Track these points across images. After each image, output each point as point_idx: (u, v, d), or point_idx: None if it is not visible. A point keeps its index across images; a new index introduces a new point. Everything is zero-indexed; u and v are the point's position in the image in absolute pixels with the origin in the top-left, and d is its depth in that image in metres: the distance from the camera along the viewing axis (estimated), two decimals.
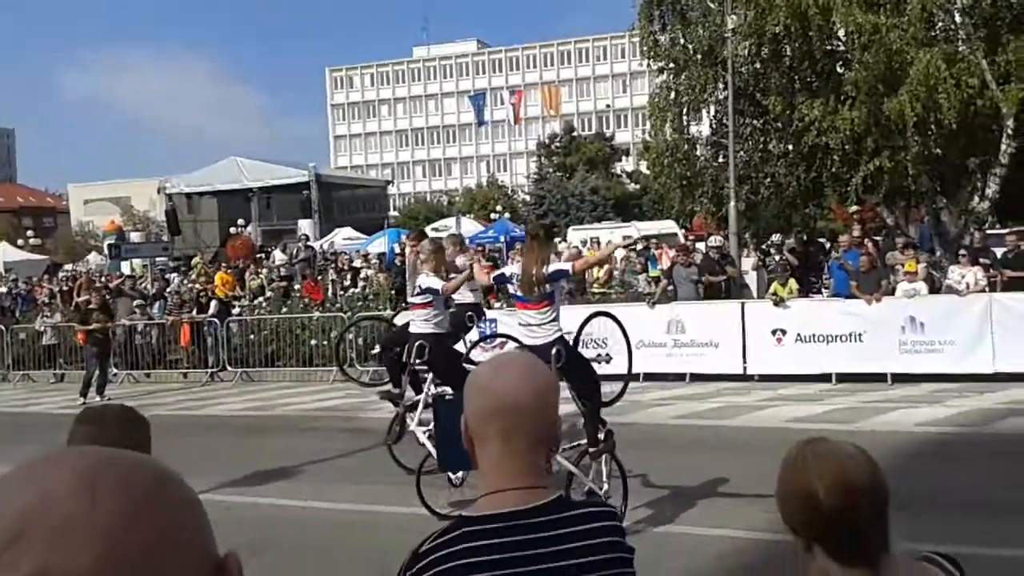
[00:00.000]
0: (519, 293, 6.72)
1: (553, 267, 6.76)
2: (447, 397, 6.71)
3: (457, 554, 1.58)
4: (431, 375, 8.19)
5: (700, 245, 17.10)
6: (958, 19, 15.26)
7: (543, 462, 1.69)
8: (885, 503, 1.66)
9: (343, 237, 33.54)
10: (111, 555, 0.69)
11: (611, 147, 68.64)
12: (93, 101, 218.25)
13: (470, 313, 8.85)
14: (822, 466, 1.64)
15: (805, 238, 17.63)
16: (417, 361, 8.03)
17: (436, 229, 34.38)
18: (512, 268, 7.35)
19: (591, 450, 6.85)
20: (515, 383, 1.65)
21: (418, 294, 7.97)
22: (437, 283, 7.68)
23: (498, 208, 47.21)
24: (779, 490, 1.69)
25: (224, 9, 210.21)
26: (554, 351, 6.52)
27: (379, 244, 26.97)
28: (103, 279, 22.64)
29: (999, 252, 14.17)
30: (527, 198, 61.79)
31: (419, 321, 8.00)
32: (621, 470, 7.05)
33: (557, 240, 32.02)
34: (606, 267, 17.72)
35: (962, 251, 13.56)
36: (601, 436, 6.90)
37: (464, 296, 8.74)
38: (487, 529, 1.60)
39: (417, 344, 7.88)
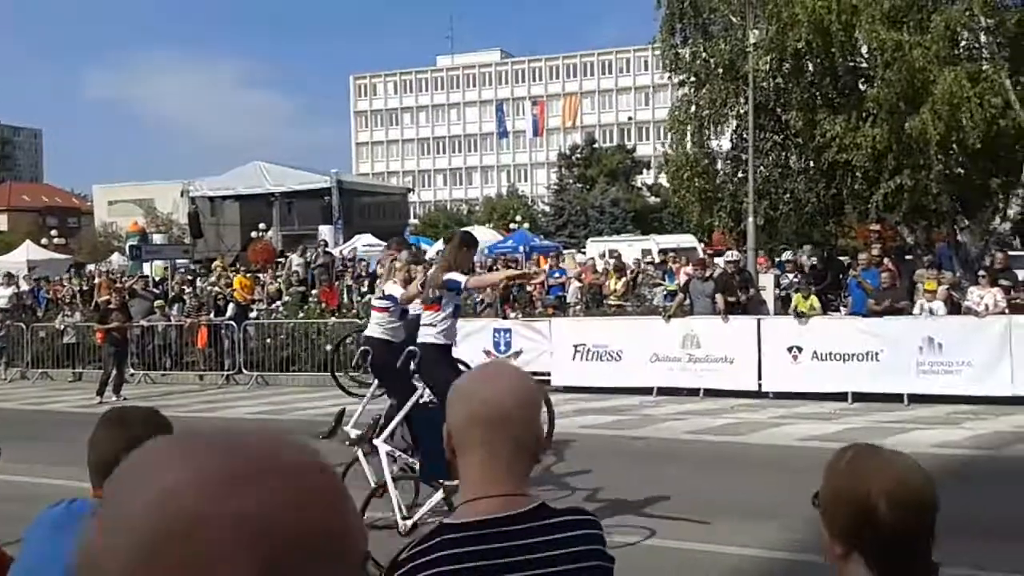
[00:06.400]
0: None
1: (449, 275, 6.79)
2: (431, 406, 6.62)
3: (437, 561, 1.58)
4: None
5: (719, 260, 17.03)
6: (983, 38, 15.16)
7: (525, 470, 1.69)
8: (935, 522, 1.62)
9: (363, 243, 33.67)
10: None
11: (632, 159, 68.59)
12: (120, 103, 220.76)
13: (364, 349, 8.23)
14: (884, 476, 1.59)
15: (826, 255, 17.53)
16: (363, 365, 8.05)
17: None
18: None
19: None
20: (499, 391, 1.66)
21: (380, 298, 8.02)
22: (399, 291, 7.64)
23: (517, 218, 47.26)
24: (829, 495, 1.64)
25: (251, 15, 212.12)
26: (408, 349, 6.98)
27: None
28: (123, 280, 22.82)
29: (1022, 274, 14.00)
30: (547, 209, 61.82)
31: (372, 325, 7.95)
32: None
33: (574, 252, 31.98)
34: (624, 279, 17.70)
35: (981, 272, 13.42)
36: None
37: (372, 330, 8.19)
38: (467, 536, 1.59)
39: (362, 348, 7.84)
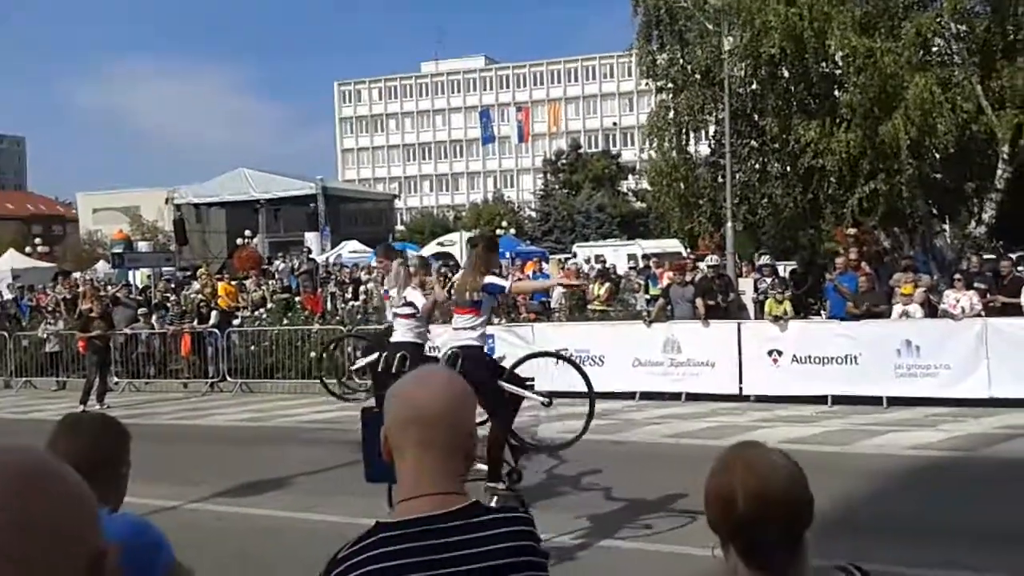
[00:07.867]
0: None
1: (489, 279, 6.90)
2: (374, 410, 6.65)
3: (373, 559, 1.65)
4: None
5: (700, 264, 17.14)
6: (953, 45, 15.35)
7: (459, 470, 1.77)
8: (802, 519, 1.70)
9: (349, 250, 33.68)
10: None
11: (617, 165, 68.81)
12: (104, 110, 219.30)
13: (403, 354, 7.92)
14: (747, 473, 1.69)
15: (807, 259, 17.65)
16: (400, 371, 7.89)
17: (442, 244, 34.53)
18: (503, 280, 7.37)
19: (487, 484, 6.66)
20: (432, 393, 1.74)
21: (403, 305, 8.24)
22: (419, 299, 8.19)
23: (503, 224, 47.38)
24: (705, 488, 1.75)
25: (237, 22, 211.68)
26: (450, 352, 6.90)
27: None
28: (106, 288, 22.79)
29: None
30: (533, 214, 61.98)
31: (403, 331, 8.22)
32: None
33: (562, 257, 32.09)
34: (607, 285, 17.80)
35: (957, 275, 13.58)
36: (505, 472, 6.83)
37: (404, 335, 8.20)
38: (403, 534, 1.67)
39: (399, 354, 7.92)
